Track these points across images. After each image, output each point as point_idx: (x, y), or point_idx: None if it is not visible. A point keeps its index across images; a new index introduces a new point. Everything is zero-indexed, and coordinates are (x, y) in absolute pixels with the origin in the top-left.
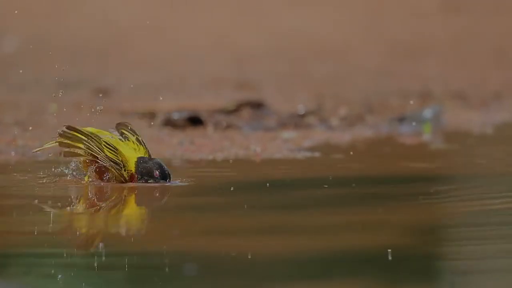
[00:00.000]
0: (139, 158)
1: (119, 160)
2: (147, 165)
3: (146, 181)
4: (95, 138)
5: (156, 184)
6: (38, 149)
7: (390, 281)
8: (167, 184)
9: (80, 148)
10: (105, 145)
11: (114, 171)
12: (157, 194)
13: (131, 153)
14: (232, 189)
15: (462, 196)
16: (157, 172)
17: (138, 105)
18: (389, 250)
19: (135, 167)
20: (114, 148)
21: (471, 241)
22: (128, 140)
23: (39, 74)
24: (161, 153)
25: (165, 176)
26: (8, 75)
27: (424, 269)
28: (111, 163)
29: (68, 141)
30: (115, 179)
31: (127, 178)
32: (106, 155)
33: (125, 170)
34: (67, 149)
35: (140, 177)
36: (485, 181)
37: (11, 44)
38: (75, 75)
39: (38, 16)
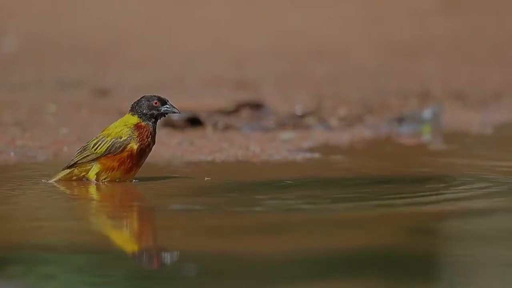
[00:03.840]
0: (132, 105)
1: (108, 142)
2: (142, 103)
3: (155, 119)
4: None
5: (165, 117)
6: (52, 180)
7: (390, 281)
8: (172, 110)
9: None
10: (92, 146)
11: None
12: (157, 194)
13: (120, 121)
14: (232, 189)
15: (461, 196)
16: (156, 100)
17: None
18: (389, 250)
19: (136, 114)
20: (98, 140)
21: (471, 241)
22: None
23: (39, 74)
24: (160, 154)
25: (163, 100)
26: (8, 75)
27: (424, 269)
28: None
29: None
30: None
31: (141, 136)
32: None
33: (127, 139)
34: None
35: (145, 118)
36: (485, 181)
37: (11, 44)
38: (75, 75)
39: (38, 16)
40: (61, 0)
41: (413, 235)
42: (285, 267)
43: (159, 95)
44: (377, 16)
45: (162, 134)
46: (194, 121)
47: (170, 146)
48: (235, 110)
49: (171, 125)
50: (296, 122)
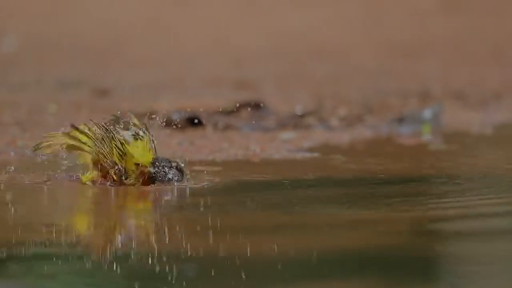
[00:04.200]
0: (154, 159)
1: (122, 166)
2: (161, 168)
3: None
4: (105, 140)
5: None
6: (41, 147)
7: (390, 281)
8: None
9: (87, 151)
10: (115, 148)
11: (116, 175)
12: (157, 194)
13: (144, 155)
14: (232, 189)
15: (461, 197)
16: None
17: (138, 105)
18: (389, 250)
19: (154, 167)
20: (122, 153)
21: (471, 242)
22: (142, 138)
23: (39, 74)
24: (160, 154)
25: (182, 175)
26: (8, 75)
27: (424, 269)
28: (116, 169)
29: (74, 143)
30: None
31: (137, 181)
32: (114, 161)
33: (126, 176)
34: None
35: (155, 178)
36: (485, 181)
37: (11, 44)
38: (75, 75)
39: (38, 16)
40: (61, 0)
41: (413, 235)
42: (285, 267)
43: (183, 171)
44: (377, 16)
45: (162, 134)
46: (194, 121)
47: (170, 146)
48: (235, 110)
49: (171, 125)
50: (296, 122)
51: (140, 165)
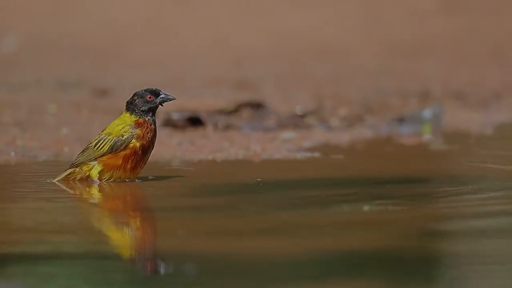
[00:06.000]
0: (127, 103)
1: (111, 139)
2: (136, 101)
3: (153, 112)
4: (85, 151)
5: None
6: (55, 179)
7: (390, 281)
8: (168, 98)
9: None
10: (95, 145)
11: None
12: (158, 194)
13: (119, 120)
14: (232, 189)
15: (461, 197)
16: (149, 95)
17: None
18: (389, 251)
19: (132, 112)
20: (101, 139)
21: (470, 241)
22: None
23: (39, 74)
24: (161, 154)
25: (155, 92)
26: (8, 75)
27: (424, 269)
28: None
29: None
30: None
31: (142, 133)
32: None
33: (129, 138)
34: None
35: (142, 114)
36: (485, 181)
37: (11, 44)
38: (75, 75)
39: (38, 16)
40: (61, 0)
41: (414, 235)
42: (286, 267)
43: (150, 87)
44: (377, 16)
45: (162, 134)
46: (194, 121)
47: (170, 146)
48: (236, 110)
49: (171, 125)
50: (297, 122)
51: None
